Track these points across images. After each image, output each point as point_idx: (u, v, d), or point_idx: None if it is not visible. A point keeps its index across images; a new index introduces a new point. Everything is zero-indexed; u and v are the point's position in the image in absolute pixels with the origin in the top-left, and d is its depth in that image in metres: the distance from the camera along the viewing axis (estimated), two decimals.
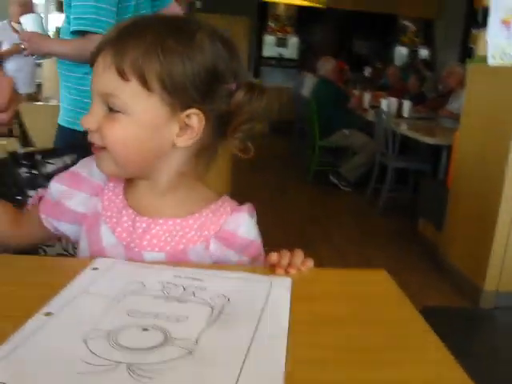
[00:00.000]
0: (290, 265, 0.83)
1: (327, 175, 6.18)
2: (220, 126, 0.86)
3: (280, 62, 11.35)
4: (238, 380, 0.54)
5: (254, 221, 0.93)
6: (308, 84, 7.17)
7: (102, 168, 0.88)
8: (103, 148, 0.84)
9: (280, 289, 0.77)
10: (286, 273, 0.82)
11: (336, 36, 11.21)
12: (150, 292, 0.73)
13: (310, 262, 0.85)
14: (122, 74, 0.79)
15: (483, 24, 3.81)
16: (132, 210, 0.90)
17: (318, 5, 8.89)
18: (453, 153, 3.99)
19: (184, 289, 0.74)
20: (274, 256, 0.84)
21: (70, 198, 0.92)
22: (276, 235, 4.38)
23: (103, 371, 0.55)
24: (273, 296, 0.74)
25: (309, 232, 4.48)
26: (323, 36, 11.34)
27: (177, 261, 0.87)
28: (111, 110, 0.82)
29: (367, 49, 11.65)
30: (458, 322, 3.13)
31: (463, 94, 4.38)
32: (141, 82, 0.80)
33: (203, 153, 0.89)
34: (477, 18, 8.80)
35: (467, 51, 9.23)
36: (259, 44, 11.29)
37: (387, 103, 5.97)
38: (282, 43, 11.37)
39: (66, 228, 0.95)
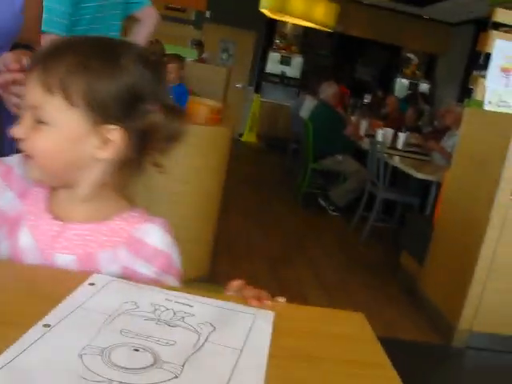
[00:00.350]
0: (250, 297, 0.88)
1: (316, 198, 6.25)
2: (140, 142, 0.92)
3: (282, 79, 11.45)
4: None
5: (168, 236, 0.97)
6: (307, 106, 7.25)
7: (29, 175, 0.94)
8: (31, 157, 0.91)
9: (263, 322, 0.81)
10: (260, 304, 0.86)
11: (340, 60, 11.33)
12: (143, 313, 0.78)
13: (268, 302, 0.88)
14: (48, 89, 0.86)
15: (484, 67, 3.90)
16: (50, 214, 0.95)
17: (326, 28, 8.98)
18: (441, 191, 4.07)
19: (174, 313, 0.79)
20: (233, 284, 0.91)
21: (2, 193, 0.97)
22: (259, 254, 4.45)
23: None
24: (255, 328, 0.79)
25: (291, 253, 4.53)
26: (327, 59, 11.46)
27: (87, 264, 0.92)
28: (39, 122, 0.88)
29: (369, 76, 11.77)
30: (428, 357, 3.18)
31: (458, 133, 4.47)
32: (65, 96, 0.86)
33: (125, 167, 0.94)
34: (479, 60, 8.98)
35: (466, 91, 9.35)
36: (264, 59, 11.38)
37: (383, 133, 6.06)
38: (286, 61, 11.46)
39: None
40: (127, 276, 0.93)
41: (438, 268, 3.75)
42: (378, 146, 5.29)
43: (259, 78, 11.40)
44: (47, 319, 0.72)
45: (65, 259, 0.93)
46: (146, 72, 0.91)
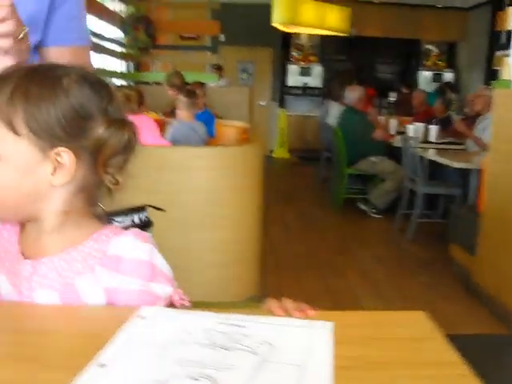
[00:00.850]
0: (292, 309, 0.85)
1: (356, 203, 6.18)
2: (92, 161, 0.89)
3: (304, 90, 11.43)
4: None
5: (145, 244, 0.92)
6: (333, 113, 7.21)
7: None
8: None
9: (322, 334, 0.79)
10: (288, 315, 0.84)
11: (359, 63, 11.27)
12: (196, 340, 0.76)
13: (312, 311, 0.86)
14: None
15: (507, 46, 3.82)
16: (21, 254, 0.93)
17: (340, 33, 8.96)
18: (483, 177, 3.97)
19: (229, 337, 0.77)
20: (273, 300, 0.88)
21: None
22: (307, 266, 4.41)
23: None
24: (315, 341, 0.76)
25: (339, 261, 4.47)
26: (346, 63, 11.41)
27: (68, 296, 0.89)
28: None
29: (391, 74, 11.68)
30: (497, 349, 3.08)
31: (489, 116, 4.37)
32: (8, 127, 0.84)
33: (84, 190, 0.92)
34: (500, 40, 8.83)
35: (492, 73, 9.20)
36: (283, 74, 11.40)
37: (414, 129, 5.98)
38: (306, 72, 11.45)
39: None
40: (111, 296, 0.90)
41: (491, 256, 3.64)
42: (411, 141, 5.21)
43: (282, 93, 11.41)
44: (102, 359, 0.70)
45: (44, 297, 0.90)
46: (90, 91, 0.89)
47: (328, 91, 9.84)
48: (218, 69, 8.90)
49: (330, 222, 5.92)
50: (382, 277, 4.21)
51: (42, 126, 0.85)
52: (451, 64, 11.43)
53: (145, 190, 3.27)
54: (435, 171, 5.39)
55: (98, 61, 8.11)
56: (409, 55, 11.55)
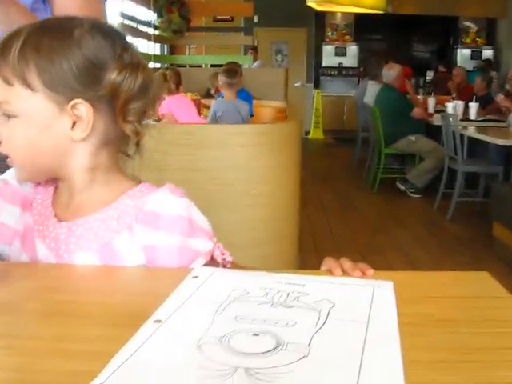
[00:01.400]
0: (351, 268, 0.82)
1: (394, 182, 6.09)
2: (110, 110, 0.87)
3: (340, 71, 11.31)
4: (358, 380, 0.54)
5: (181, 199, 0.90)
6: (370, 92, 7.10)
7: (18, 177, 0.92)
8: (9, 157, 0.88)
9: (384, 292, 0.76)
10: (346, 274, 0.82)
11: (395, 41, 11.08)
12: (254, 298, 0.73)
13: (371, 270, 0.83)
14: (6, 80, 0.83)
15: None
16: (56, 218, 0.91)
17: (376, 11, 8.80)
18: None
19: (287, 294, 0.74)
20: (331, 260, 0.85)
21: (0, 212, 0.93)
22: (346, 245, 4.36)
23: (222, 376, 0.55)
24: (377, 299, 0.73)
25: (378, 241, 4.42)
26: (382, 42, 11.24)
27: (106, 255, 0.88)
28: (8, 117, 0.85)
29: (428, 52, 11.46)
30: None
31: None
32: (23, 83, 0.83)
33: (109, 143, 0.90)
34: None
35: None
36: (318, 54, 11.28)
37: (453, 106, 5.86)
38: (341, 52, 11.32)
39: None
40: (149, 254, 0.88)
41: None
42: (451, 119, 5.10)
43: (317, 74, 11.31)
44: (157, 315, 0.69)
45: (83, 258, 0.89)
46: (101, 40, 0.87)
47: (365, 70, 9.71)
48: (253, 50, 8.82)
49: (367, 202, 5.86)
50: (421, 256, 4.14)
51: (56, 78, 0.83)
52: (490, 41, 11.13)
53: (183, 168, 3.28)
54: (475, 149, 5.27)
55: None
56: (446, 33, 11.30)
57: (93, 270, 0.89)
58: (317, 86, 11.16)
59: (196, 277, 0.81)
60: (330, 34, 11.40)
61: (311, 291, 0.75)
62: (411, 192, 5.89)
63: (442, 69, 9.67)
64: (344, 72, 11.29)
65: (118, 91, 0.85)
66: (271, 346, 0.61)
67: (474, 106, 5.85)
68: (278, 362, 0.58)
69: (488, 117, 5.84)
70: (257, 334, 0.64)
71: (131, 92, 0.86)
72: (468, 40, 11.28)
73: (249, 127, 3.50)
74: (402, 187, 6.00)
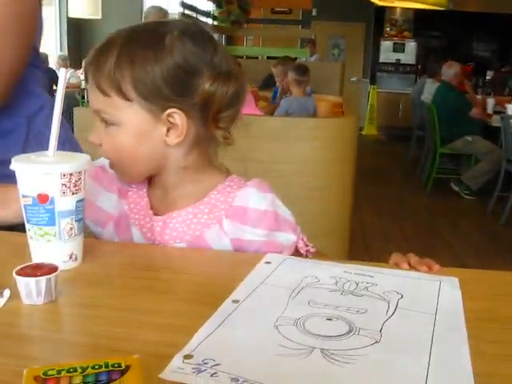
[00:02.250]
0: (418, 263, 0.85)
1: (447, 183, 6.01)
2: (203, 118, 0.89)
3: (397, 67, 11.17)
4: (428, 367, 0.57)
5: (267, 194, 0.94)
6: (428, 89, 7.00)
7: (118, 178, 0.97)
8: (110, 160, 0.93)
9: (450, 287, 0.78)
10: (413, 268, 0.85)
11: (455, 39, 10.86)
12: (325, 285, 0.77)
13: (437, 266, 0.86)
14: (102, 91, 0.87)
15: None
16: (151, 211, 0.96)
17: (439, 7, 8.65)
18: None
19: (357, 284, 0.78)
20: (398, 255, 0.88)
21: (97, 197, 0.99)
22: (395, 245, 4.34)
23: (299, 354, 0.59)
24: (444, 293, 0.76)
25: (429, 242, 4.37)
26: (441, 40, 11.04)
27: (198, 246, 0.93)
28: (106, 124, 0.89)
29: (488, 51, 11.19)
30: None
31: None
32: (119, 94, 0.86)
33: (200, 145, 0.93)
34: None
35: None
36: (376, 50, 11.17)
37: None
38: (399, 48, 11.17)
39: (90, 226, 1.01)
40: (237, 247, 0.93)
41: None
42: (511, 120, 4.99)
43: (373, 69, 11.20)
44: (235, 295, 0.73)
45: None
46: (193, 45, 0.88)
47: (423, 67, 9.58)
48: (312, 44, 8.79)
49: (420, 201, 5.80)
50: (473, 260, 4.08)
51: (150, 88, 0.86)
52: None
53: (240, 158, 3.32)
54: None
55: None
56: (509, 31, 10.99)
57: (178, 251, 0.95)
58: (373, 81, 11.07)
59: (269, 262, 0.85)
60: (388, 29, 11.27)
61: (379, 282, 0.79)
62: (465, 194, 5.80)
63: (505, 69, 9.44)
64: (401, 69, 11.14)
65: (211, 100, 0.88)
66: (344, 330, 0.65)
67: None
68: (352, 345, 0.61)
69: None
70: (330, 319, 0.67)
71: (224, 101, 0.89)
72: None
73: (305, 121, 3.52)
74: (456, 188, 5.91)
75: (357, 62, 11.12)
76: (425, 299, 0.74)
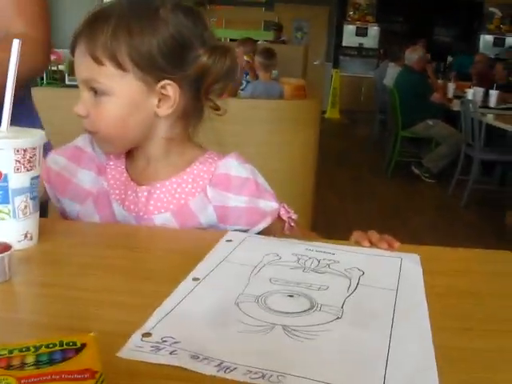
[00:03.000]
0: (378, 241, 0.86)
1: (408, 166, 6.08)
2: (194, 90, 0.91)
3: (360, 51, 11.23)
4: (390, 341, 0.58)
5: (247, 164, 0.98)
6: (391, 73, 7.06)
7: (102, 150, 0.97)
8: (96, 132, 0.92)
9: (411, 263, 0.79)
10: (374, 246, 0.85)
11: (418, 24, 10.95)
12: (287, 263, 0.77)
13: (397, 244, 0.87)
14: (96, 60, 0.86)
15: None
16: (133, 182, 0.97)
17: None
18: None
19: (318, 261, 0.78)
20: (359, 232, 0.89)
21: (75, 174, 1.00)
22: (357, 227, 4.36)
23: (261, 331, 0.59)
24: (405, 270, 0.77)
25: (390, 224, 4.42)
26: (404, 25, 11.12)
27: (183, 216, 0.94)
28: (96, 94, 0.88)
29: (450, 37, 11.32)
30: None
31: None
32: (114, 63, 0.86)
33: (186, 117, 0.95)
34: None
35: None
36: (339, 33, 11.19)
37: (473, 92, 5.82)
38: (362, 32, 11.23)
39: (67, 204, 1.01)
40: (221, 214, 0.95)
41: None
42: (470, 105, 5.07)
43: (336, 53, 11.24)
44: (195, 273, 0.72)
45: (161, 218, 0.95)
46: (185, 19, 0.90)
47: (385, 52, 9.63)
48: (278, 30, 8.71)
49: (381, 184, 5.86)
50: (434, 243, 4.12)
51: (146, 58, 0.86)
52: None
53: (204, 141, 3.30)
54: (493, 137, 5.25)
55: None
56: (470, 18, 11.14)
57: (135, 229, 0.94)
58: (336, 65, 11.10)
59: (230, 240, 0.84)
60: (351, 13, 11.29)
61: (341, 259, 0.79)
62: (426, 177, 5.89)
63: (467, 54, 9.55)
64: (364, 53, 11.21)
65: (207, 73, 0.90)
66: (306, 306, 0.64)
67: (494, 94, 5.80)
68: (314, 321, 0.61)
69: (508, 105, 5.80)
70: (291, 296, 0.67)
71: (219, 74, 0.90)
72: (492, 26, 11.12)
73: (268, 103, 3.51)
74: (416, 171, 5.99)
75: (320, 46, 11.13)
76: (386, 275, 0.75)
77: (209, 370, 0.51)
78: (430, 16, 11.08)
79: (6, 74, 0.83)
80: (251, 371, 0.51)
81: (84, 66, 0.88)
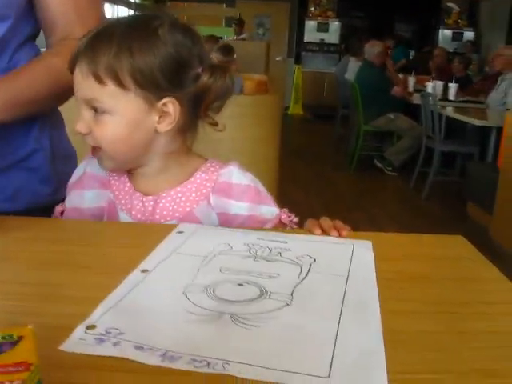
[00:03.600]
0: (329, 228, 0.88)
1: (371, 160, 6.14)
2: (193, 107, 0.94)
3: (322, 47, 11.26)
4: (338, 327, 0.57)
5: (247, 173, 1.00)
6: (352, 68, 7.11)
7: (102, 166, 0.97)
8: (98, 148, 0.92)
9: (363, 250, 0.79)
10: (325, 233, 0.86)
11: (378, 20, 11.05)
12: (238, 252, 0.76)
13: (349, 229, 0.89)
14: (98, 80, 0.87)
15: None
16: (139, 192, 0.98)
17: None
18: (504, 134, 3.93)
19: (270, 250, 0.77)
20: (312, 220, 0.91)
21: (82, 199, 1.02)
22: None
23: (208, 320, 0.58)
24: (356, 256, 0.77)
25: (354, 217, 4.45)
26: (365, 20, 11.21)
27: (189, 222, 0.94)
28: (97, 112, 0.89)
29: (409, 32, 11.45)
30: None
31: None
32: (116, 83, 0.87)
33: (184, 132, 0.96)
34: None
35: None
36: (300, 29, 11.22)
37: (433, 86, 5.90)
38: (323, 28, 11.26)
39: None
40: (223, 221, 0.96)
41: (509, 214, 3.62)
42: (430, 98, 5.14)
43: (298, 49, 11.26)
44: (144, 265, 0.71)
45: None
46: (183, 38, 0.91)
47: (346, 47, 9.69)
48: (239, 25, 8.69)
49: (344, 178, 5.90)
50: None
51: (147, 77, 0.87)
52: (472, 23, 11.17)
53: None
54: (453, 129, 5.33)
55: (109, 10, 7.97)
56: (429, 13, 11.29)
57: (85, 224, 0.94)
58: (298, 61, 11.12)
59: (181, 232, 0.83)
60: (312, 9, 11.33)
61: (293, 248, 0.79)
62: (388, 170, 5.95)
63: (426, 49, 9.68)
64: (325, 48, 11.25)
65: (208, 92, 0.92)
66: (255, 294, 0.64)
67: (453, 87, 5.89)
68: (262, 308, 0.61)
69: (466, 98, 5.90)
70: (241, 284, 0.66)
71: (219, 93, 0.93)
72: (450, 21, 11.29)
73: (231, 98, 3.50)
74: (379, 165, 6.05)
75: (282, 42, 11.14)
76: (338, 262, 0.75)
77: (153, 360, 0.51)
78: (391, 11, 11.19)
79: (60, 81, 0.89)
80: (196, 360, 0.51)
81: (85, 85, 0.88)
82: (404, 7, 11.04)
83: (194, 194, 0.97)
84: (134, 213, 0.97)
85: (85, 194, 1.02)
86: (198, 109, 0.94)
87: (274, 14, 11.03)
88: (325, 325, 0.58)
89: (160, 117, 0.91)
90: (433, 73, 7.41)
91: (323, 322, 0.58)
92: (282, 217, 1.00)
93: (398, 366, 0.52)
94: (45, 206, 1.05)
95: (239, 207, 0.97)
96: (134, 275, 0.68)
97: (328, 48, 11.22)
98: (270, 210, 0.99)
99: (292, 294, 0.64)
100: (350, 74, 6.96)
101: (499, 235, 3.71)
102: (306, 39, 11.25)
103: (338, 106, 8.11)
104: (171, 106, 0.90)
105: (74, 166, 1.18)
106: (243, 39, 8.32)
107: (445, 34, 11.23)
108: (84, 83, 0.88)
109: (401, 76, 6.89)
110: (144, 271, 0.69)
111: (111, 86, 0.87)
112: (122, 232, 0.89)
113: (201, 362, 0.50)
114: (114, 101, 0.88)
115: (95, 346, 0.52)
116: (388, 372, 0.50)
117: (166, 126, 0.91)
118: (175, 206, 0.96)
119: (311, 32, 11.26)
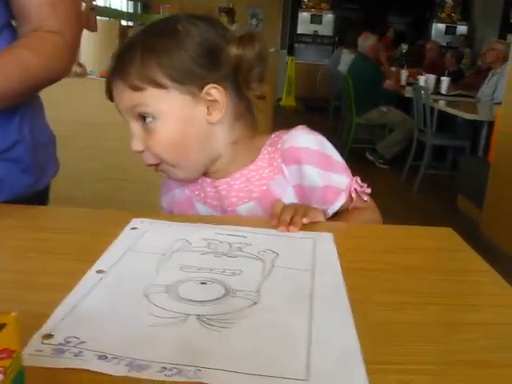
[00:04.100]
0: (283, 222, 0.83)
1: (363, 153, 6.11)
2: (236, 86, 0.92)
3: (315, 38, 11.21)
4: (311, 323, 0.55)
5: (316, 135, 0.97)
6: (345, 60, 7.07)
7: (175, 178, 0.97)
8: (159, 163, 0.91)
9: (325, 243, 0.77)
10: (287, 230, 0.82)
11: (372, 12, 11.00)
12: (197, 248, 0.73)
13: (316, 216, 0.86)
14: (135, 88, 0.86)
15: None
16: (209, 178, 0.97)
17: None
18: (495, 128, 3.90)
19: (230, 245, 0.74)
20: (276, 206, 0.89)
21: (174, 197, 1.04)
22: None
23: (174, 323, 0.54)
24: (319, 249, 0.75)
25: None
26: (358, 12, 11.16)
27: (267, 201, 0.94)
28: (145, 122, 0.88)
29: (403, 25, 11.42)
30: None
31: (504, 69, 4.28)
32: (153, 85, 0.86)
33: (240, 117, 0.95)
34: None
35: (508, 27, 8.99)
36: (294, 21, 11.16)
37: (425, 79, 5.87)
38: (316, 20, 11.20)
39: None
40: (300, 194, 0.95)
41: (499, 207, 3.60)
42: (422, 91, 5.11)
43: (291, 40, 11.20)
44: (99, 265, 0.67)
45: (246, 208, 0.95)
46: (204, 25, 0.90)
47: (340, 39, 9.65)
48: (229, 13, 8.63)
49: None
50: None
51: (181, 71, 0.87)
52: (466, 17, 11.13)
53: None
54: (444, 123, 5.31)
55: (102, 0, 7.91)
56: (423, 7, 11.25)
57: (65, 212, 0.94)
58: (291, 52, 11.06)
59: (135, 228, 0.80)
60: (306, 0, 11.26)
61: (253, 242, 0.76)
62: (379, 163, 5.92)
63: (420, 42, 9.63)
64: (319, 40, 11.20)
65: (241, 63, 0.89)
66: (220, 293, 0.61)
67: (445, 81, 5.86)
68: (230, 308, 0.57)
69: (458, 92, 5.87)
70: (204, 283, 0.63)
71: (252, 60, 0.90)
72: (443, 15, 11.25)
73: None
74: (370, 157, 6.02)
75: (275, 33, 11.07)
76: (300, 256, 0.72)
77: (119, 370, 0.47)
78: (385, 4, 11.15)
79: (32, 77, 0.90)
80: (166, 367, 0.47)
81: (126, 98, 0.88)
82: (398, 1, 11.00)
83: (267, 170, 0.95)
84: (209, 200, 0.97)
85: (170, 194, 1.05)
86: (241, 86, 0.91)
87: (268, 4, 10.96)
88: (296, 323, 0.55)
89: (208, 107, 0.89)
90: (425, 66, 7.38)
91: (294, 320, 0.55)
92: (354, 186, 0.97)
93: (386, 358, 0.51)
94: (27, 197, 1.04)
95: (311, 174, 0.93)
96: (90, 276, 0.64)
97: (321, 40, 11.18)
98: (342, 179, 0.96)
99: (258, 292, 0.61)
100: (343, 67, 6.93)
101: (489, 228, 3.69)
102: (299, 31, 11.20)
103: (331, 98, 8.06)
104: (215, 91, 0.88)
105: (55, 151, 1.17)
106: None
107: (438, 27, 11.20)
108: (124, 97, 0.88)
109: (393, 69, 6.86)
110: (100, 272, 0.66)
111: (151, 90, 0.86)
112: (103, 219, 0.89)
113: (171, 369, 0.47)
114: (157, 102, 0.87)
115: (55, 358, 0.48)
116: (375, 363, 0.49)
117: (216, 114, 0.90)
118: (251, 186, 0.95)
119: (305, 24, 11.20)
